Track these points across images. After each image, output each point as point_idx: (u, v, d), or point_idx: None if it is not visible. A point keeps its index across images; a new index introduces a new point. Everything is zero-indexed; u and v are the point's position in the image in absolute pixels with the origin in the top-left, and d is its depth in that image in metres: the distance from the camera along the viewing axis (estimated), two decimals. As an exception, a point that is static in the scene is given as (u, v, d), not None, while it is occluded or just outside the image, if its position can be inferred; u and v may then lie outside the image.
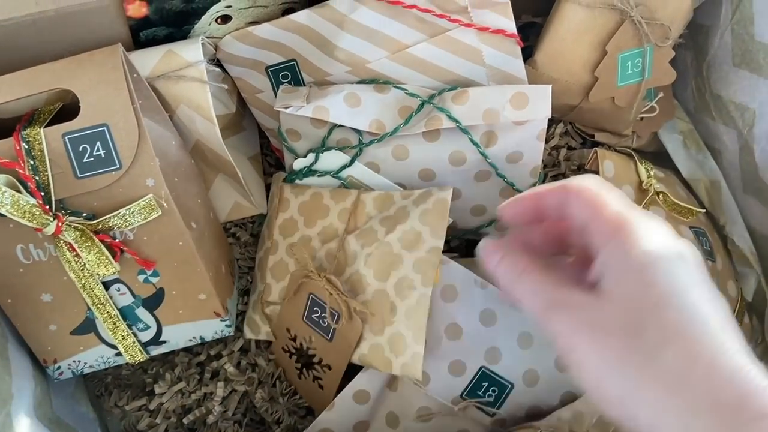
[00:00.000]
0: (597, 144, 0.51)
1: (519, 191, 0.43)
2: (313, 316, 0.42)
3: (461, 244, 0.50)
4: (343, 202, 0.43)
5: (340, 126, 0.42)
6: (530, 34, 0.53)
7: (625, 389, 0.26)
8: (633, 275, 0.26)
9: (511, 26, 0.41)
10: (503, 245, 0.32)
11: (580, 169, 0.50)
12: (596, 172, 0.46)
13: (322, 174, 0.44)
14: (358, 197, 0.43)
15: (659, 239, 0.27)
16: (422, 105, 0.41)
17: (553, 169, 0.49)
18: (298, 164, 0.44)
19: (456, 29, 0.41)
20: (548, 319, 0.28)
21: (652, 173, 0.47)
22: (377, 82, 0.42)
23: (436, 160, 0.42)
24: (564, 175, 0.49)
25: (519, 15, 0.52)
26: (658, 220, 0.28)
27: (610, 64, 0.45)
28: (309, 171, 0.44)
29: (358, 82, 0.43)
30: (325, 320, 0.41)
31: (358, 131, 0.43)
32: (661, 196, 0.46)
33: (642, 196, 0.46)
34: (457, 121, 0.40)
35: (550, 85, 0.40)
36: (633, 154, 0.48)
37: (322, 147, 0.43)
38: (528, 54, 0.48)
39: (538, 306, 0.29)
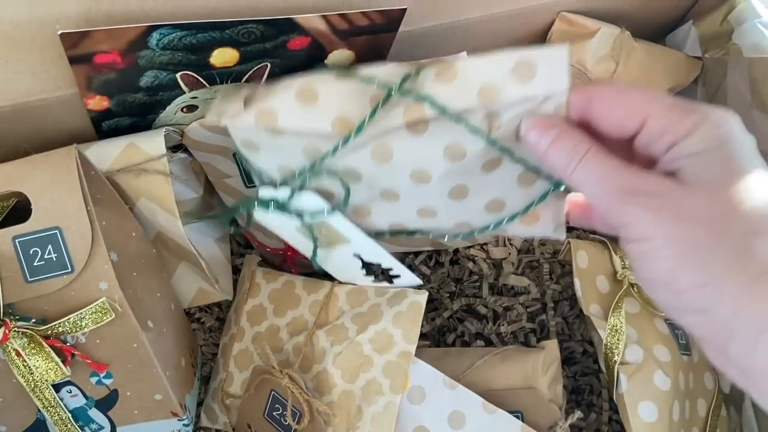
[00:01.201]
0: (572, 229, 0.50)
1: (544, 174, 0.33)
2: (274, 413, 0.40)
3: (433, 330, 0.49)
4: (315, 293, 0.42)
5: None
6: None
7: (708, 278, 0.25)
8: (719, 164, 0.26)
9: None
10: (558, 123, 0.29)
11: (555, 255, 0.49)
12: (570, 263, 0.45)
13: (298, 213, 0.36)
14: (331, 290, 0.42)
15: (737, 126, 0.27)
16: (389, 95, 0.31)
17: (527, 255, 0.49)
18: (267, 193, 0.36)
19: None
20: (623, 205, 0.27)
21: (627, 263, 0.46)
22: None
23: (429, 157, 0.32)
24: (538, 262, 0.48)
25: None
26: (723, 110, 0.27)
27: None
28: (279, 205, 0.36)
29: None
30: (287, 419, 0.39)
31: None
32: (635, 287, 0.45)
33: (617, 287, 0.45)
34: (443, 110, 0.30)
35: (567, 46, 0.29)
36: (607, 242, 0.47)
37: (301, 177, 0.34)
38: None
39: (610, 192, 0.27)
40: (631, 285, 0.45)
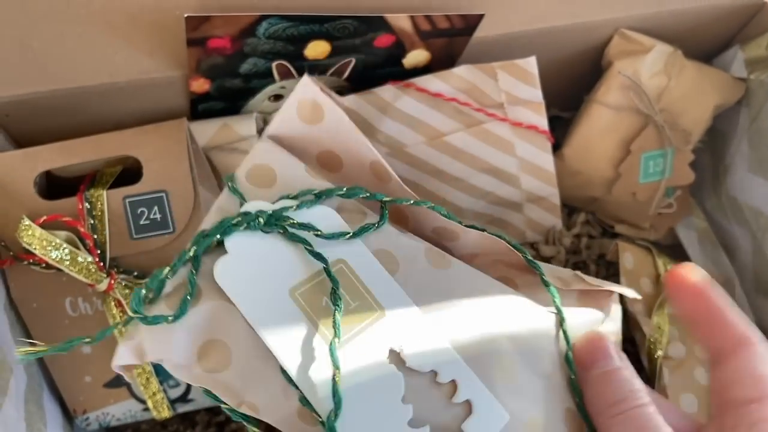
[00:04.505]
0: (617, 235, 0.53)
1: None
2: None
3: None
4: None
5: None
6: (556, 126, 0.56)
7: None
8: None
9: (543, 123, 0.44)
10: (622, 354, 0.27)
11: (601, 258, 0.52)
12: (616, 263, 0.48)
13: (292, 227, 0.26)
14: None
15: None
16: None
17: (574, 255, 0.51)
18: (254, 206, 0.27)
19: (491, 122, 0.44)
20: None
21: (669, 268, 0.49)
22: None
23: None
24: (585, 263, 0.51)
25: (547, 108, 0.56)
26: None
27: (633, 163, 0.48)
28: (271, 220, 0.26)
29: None
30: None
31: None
32: (677, 290, 0.48)
33: (659, 289, 0.48)
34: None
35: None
36: (651, 248, 0.50)
37: (315, 192, 0.28)
38: (554, 145, 0.51)
39: None
40: (673, 288, 0.48)
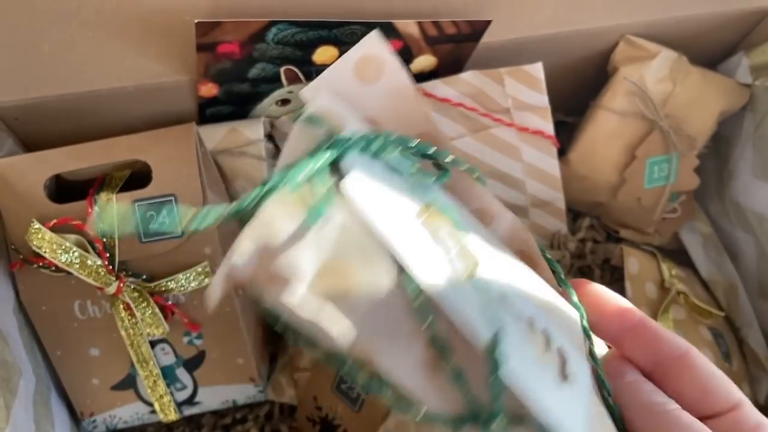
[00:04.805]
0: (621, 239, 0.53)
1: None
2: (342, 386, 0.43)
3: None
4: None
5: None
6: (562, 131, 0.56)
7: None
8: None
9: (549, 128, 0.44)
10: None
11: (605, 263, 0.52)
12: (621, 268, 0.48)
13: (394, 160, 0.24)
14: None
15: None
16: None
17: (579, 260, 0.52)
18: (357, 132, 0.24)
19: (498, 127, 0.44)
20: None
21: (674, 273, 0.49)
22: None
23: None
24: (589, 268, 0.51)
25: (552, 113, 0.56)
26: None
27: (639, 168, 0.48)
28: (384, 146, 0.24)
29: None
30: (355, 391, 0.42)
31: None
32: (681, 296, 0.48)
33: (664, 294, 0.48)
34: None
35: None
36: (656, 253, 0.50)
37: (395, 137, 0.25)
38: (559, 150, 0.51)
39: None
40: (678, 293, 0.48)
